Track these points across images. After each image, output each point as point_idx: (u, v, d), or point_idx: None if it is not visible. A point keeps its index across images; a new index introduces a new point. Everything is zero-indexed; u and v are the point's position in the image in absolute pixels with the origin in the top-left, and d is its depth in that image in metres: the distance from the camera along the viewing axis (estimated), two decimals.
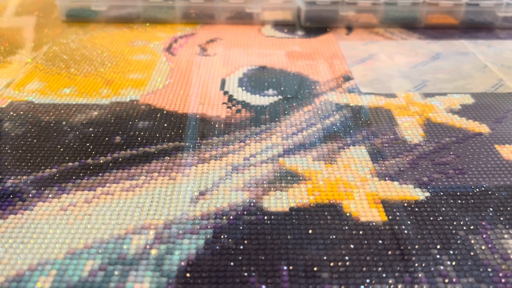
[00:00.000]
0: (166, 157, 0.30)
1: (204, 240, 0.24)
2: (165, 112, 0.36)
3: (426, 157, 0.31)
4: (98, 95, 0.38)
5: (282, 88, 0.40)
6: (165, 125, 0.34)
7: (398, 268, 0.22)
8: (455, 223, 0.25)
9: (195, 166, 0.30)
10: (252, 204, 0.26)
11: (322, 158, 0.31)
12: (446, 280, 0.22)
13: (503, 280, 0.22)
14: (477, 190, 0.28)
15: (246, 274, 0.22)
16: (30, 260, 0.23)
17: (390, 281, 0.22)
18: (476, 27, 0.51)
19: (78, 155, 0.31)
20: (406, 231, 0.25)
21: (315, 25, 0.52)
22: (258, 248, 0.23)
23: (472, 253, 0.23)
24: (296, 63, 0.44)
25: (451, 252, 0.23)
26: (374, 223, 0.25)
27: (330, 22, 0.51)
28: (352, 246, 0.24)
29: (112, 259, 0.23)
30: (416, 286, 0.22)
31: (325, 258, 0.23)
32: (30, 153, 0.31)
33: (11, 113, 0.36)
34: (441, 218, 0.26)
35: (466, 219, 0.25)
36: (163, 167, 0.29)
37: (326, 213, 0.26)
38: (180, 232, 0.24)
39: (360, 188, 0.28)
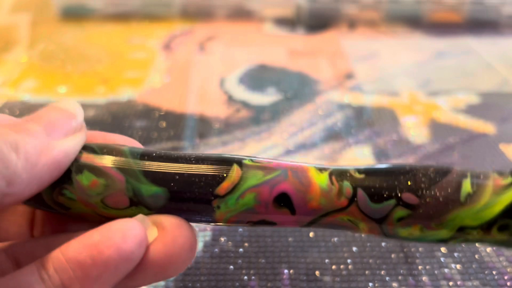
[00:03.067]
0: None
1: (203, 243, 0.23)
2: (163, 111, 0.35)
3: (430, 158, 0.30)
4: (94, 94, 0.38)
5: (282, 87, 0.39)
6: (163, 124, 0.34)
7: (401, 271, 0.22)
8: None
9: None
10: None
11: (324, 158, 0.30)
12: (451, 283, 0.21)
13: (508, 284, 0.22)
14: None
15: (246, 277, 0.22)
16: None
17: (393, 285, 0.21)
18: (480, 25, 0.50)
19: None
20: None
21: (317, 22, 0.51)
22: (258, 251, 0.23)
23: (477, 256, 0.23)
24: (297, 61, 0.43)
25: (456, 254, 0.23)
26: None
27: (332, 19, 0.51)
28: (354, 248, 0.23)
29: None
30: None
31: (327, 261, 0.22)
32: None
33: (7, 112, 0.35)
34: None
35: None
36: None
37: None
38: None
39: None
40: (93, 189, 0.13)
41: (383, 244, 0.23)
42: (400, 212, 0.13)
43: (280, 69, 0.42)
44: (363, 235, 0.13)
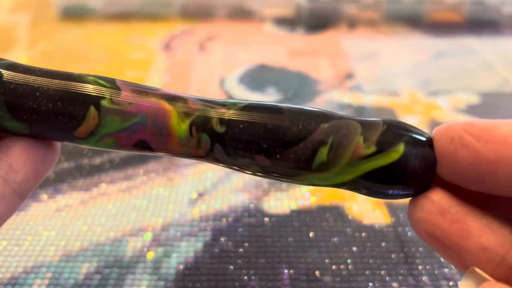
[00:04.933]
0: (164, 158, 0.30)
1: (203, 243, 0.23)
2: None
3: None
4: None
5: (282, 87, 0.39)
6: None
7: (401, 271, 0.22)
8: None
9: (193, 166, 0.29)
10: (252, 206, 0.26)
11: None
12: (451, 283, 0.21)
13: None
14: None
15: (246, 277, 0.22)
16: (25, 263, 0.22)
17: (393, 285, 0.21)
18: (480, 25, 0.50)
19: (74, 155, 0.30)
20: (410, 233, 0.24)
21: (317, 22, 0.51)
22: (258, 251, 0.23)
23: None
24: (297, 61, 0.43)
25: None
26: (377, 225, 0.25)
27: (332, 19, 0.51)
28: (354, 248, 0.23)
29: (108, 262, 0.22)
30: None
31: (327, 261, 0.22)
32: None
33: None
34: None
35: None
36: (160, 168, 0.29)
37: (328, 215, 0.25)
38: (178, 234, 0.24)
39: None
40: None
41: (383, 244, 0.23)
42: (254, 168, 0.14)
43: (280, 69, 0.42)
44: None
